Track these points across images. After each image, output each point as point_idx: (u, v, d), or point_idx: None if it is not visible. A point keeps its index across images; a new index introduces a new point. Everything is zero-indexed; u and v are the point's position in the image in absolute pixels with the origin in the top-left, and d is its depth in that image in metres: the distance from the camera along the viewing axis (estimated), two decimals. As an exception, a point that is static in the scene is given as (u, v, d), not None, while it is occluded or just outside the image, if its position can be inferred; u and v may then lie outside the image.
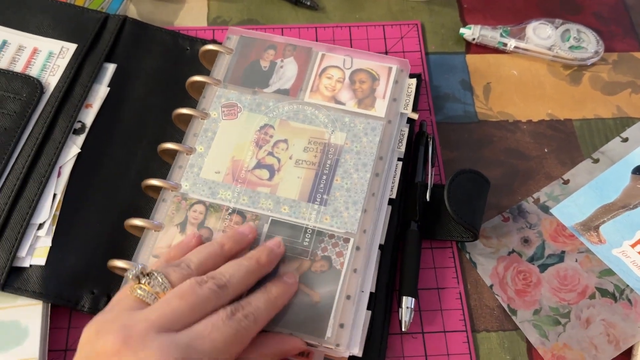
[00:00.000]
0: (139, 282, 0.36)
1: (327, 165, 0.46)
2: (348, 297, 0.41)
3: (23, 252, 0.44)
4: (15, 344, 0.42)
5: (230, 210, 0.44)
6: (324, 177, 0.45)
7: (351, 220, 0.44)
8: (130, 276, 0.36)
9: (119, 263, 0.42)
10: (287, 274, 0.41)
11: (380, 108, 0.48)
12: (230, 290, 0.37)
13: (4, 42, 0.51)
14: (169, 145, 0.46)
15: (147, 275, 0.36)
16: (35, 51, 0.51)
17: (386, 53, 0.57)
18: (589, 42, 0.57)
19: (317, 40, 0.57)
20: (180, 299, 0.34)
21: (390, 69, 0.50)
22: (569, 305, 0.46)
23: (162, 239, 0.43)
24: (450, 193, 0.46)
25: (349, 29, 0.58)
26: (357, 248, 0.43)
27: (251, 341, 0.36)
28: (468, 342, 0.45)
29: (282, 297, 0.39)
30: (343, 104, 0.48)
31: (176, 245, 0.41)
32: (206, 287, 0.35)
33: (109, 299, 0.44)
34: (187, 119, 0.48)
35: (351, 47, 0.57)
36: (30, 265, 0.44)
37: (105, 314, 0.35)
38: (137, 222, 0.43)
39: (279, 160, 0.46)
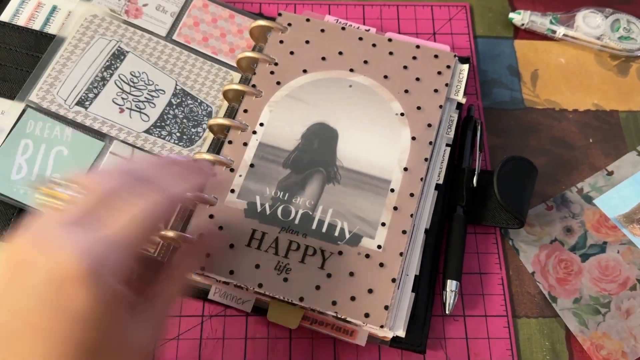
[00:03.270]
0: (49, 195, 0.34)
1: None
2: (393, 280, 0.42)
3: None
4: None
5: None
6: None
7: (401, 203, 0.44)
8: (43, 194, 0.34)
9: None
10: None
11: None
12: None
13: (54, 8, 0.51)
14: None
15: (52, 181, 0.34)
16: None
17: (434, 34, 0.56)
18: (639, 33, 0.56)
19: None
20: (89, 192, 0.32)
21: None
22: (609, 295, 0.47)
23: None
24: (499, 180, 0.46)
25: (397, 7, 0.58)
26: (403, 232, 0.43)
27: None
28: (508, 327, 0.46)
29: (196, 175, 0.37)
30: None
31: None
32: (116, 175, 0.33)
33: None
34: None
35: (399, 26, 0.57)
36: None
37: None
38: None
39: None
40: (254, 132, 0.46)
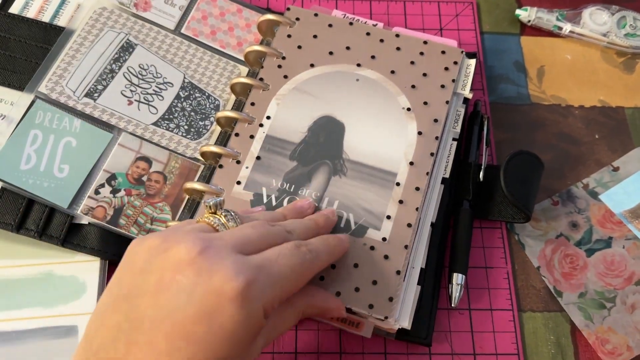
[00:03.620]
0: (214, 212, 0.37)
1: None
2: (398, 272, 0.42)
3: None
4: (73, 297, 0.44)
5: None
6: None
7: (407, 197, 0.44)
8: (212, 203, 0.37)
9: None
10: (342, 234, 0.42)
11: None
12: (295, 236, 0.37)
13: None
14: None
15: (224, 209, 0.37)
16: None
17: (441, 30, 0.57)
18: (645, 30, 0.56)
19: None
20: (252, 228, 0.35)
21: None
22: (614, 290, 0.47)
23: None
24: (506, 173, 0.46)
25: (404, 3, 0.58)
26: (408, 225, 0.43)
27: (302, 289, 0.37)
28: (514, 321, 0.46)
29: (338, 248, 0.40)
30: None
31: (242, 211, 0.42)
32: (275, 227, 0.37)
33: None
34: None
35: (405, 22, 0.57)
36: (89, 223, 0.45)
37: (166, 231, 0.35)
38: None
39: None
40: (261, 125, 0.46)
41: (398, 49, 0.50)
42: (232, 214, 0.37)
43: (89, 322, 0.32)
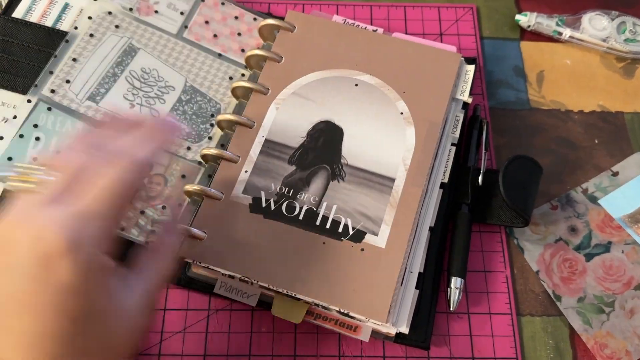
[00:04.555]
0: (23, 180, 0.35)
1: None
2: (395, 277, 0.41)
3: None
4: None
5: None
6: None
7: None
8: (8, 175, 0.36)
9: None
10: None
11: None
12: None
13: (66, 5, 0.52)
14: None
15: (24, 166, 0.36)
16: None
17: (441, 35, 0.57)
18: (645, 36, 0.57)
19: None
20: (59, 170, 0.33)
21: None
22: (613, 294, 0.47)
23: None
24: (504, 178, 0.46)
25: (404, 8, 0.58)
26: (406, 230, 0.43)
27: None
28: (512, 325, 0.46)
29: (160, 131, 0.37)
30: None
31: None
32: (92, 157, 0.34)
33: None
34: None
35: (406, 27, 0.57)
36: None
37: None
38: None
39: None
40: (261, 129, 0.47)
41: (397, 53, 0.50)
42: (35, 166, 0.35)
43: None
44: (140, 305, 0.33)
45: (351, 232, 0.43)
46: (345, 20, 0.54)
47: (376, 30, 0.52)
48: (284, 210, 0.44)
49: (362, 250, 0.42)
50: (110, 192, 0.32)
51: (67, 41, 0.49)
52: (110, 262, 0.31)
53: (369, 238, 0.43)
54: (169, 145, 0.38)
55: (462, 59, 0.50)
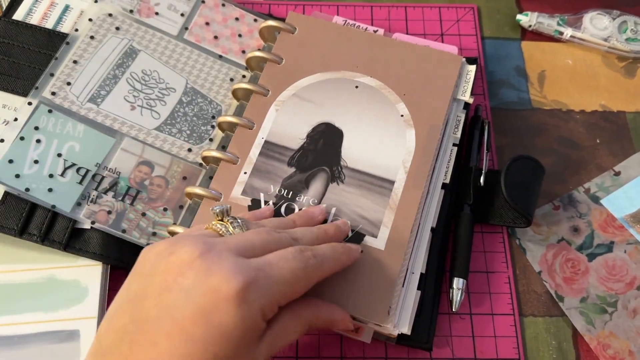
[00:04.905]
0: (221, 219, 0.37)
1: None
2: (396, 278, 0.41)
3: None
4: (75, 302, 0.44)
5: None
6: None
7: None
8: (218, 210, 0.37)
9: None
10: (353, 244, 0.42)
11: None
12: (301, 243, 0.37)
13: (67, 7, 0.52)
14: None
15: (230, 216, 0.37)
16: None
17: (442, 35, 0.57)
18: (646, 35, 0.56)
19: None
20: (256, 234, 0.35)
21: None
22: (616, 294, 0.46)
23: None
24: (506, 178, 0.46)
25: (405, 9, 0.58)
26: (406, 231, 0.43)
27: (307, 300, 0.37)
28: (515, 326, 0.46)
29: (346, 256, 0.40)
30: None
31: (250, 213, 0.42)
32: (281, 234, 0.37)
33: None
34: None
35: (406, 27, 0.57)
36: (91, 227, 0.45)
37: (174, 237, 0.35)
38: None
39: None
40: (260, 130, 0.47)
41: (398, 55, 0.50)
42: (239, 221, 0.37)
43: (100, 326, 0.33)
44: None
45: (350, 234, 0.43)
46: (346, 21, 0.53)
47: (377, 30, 0.52)
48: (282, 212, 0.44)
49: (362, 252, 0.42)
50: (294, 274, 0.34)
51: (67, 43, 0.49)
52: (264, 326, 0.33)
53: (368, 240, 0.43)
54: (343, 268, 0.40)
55: (464, 60, 0.50)
